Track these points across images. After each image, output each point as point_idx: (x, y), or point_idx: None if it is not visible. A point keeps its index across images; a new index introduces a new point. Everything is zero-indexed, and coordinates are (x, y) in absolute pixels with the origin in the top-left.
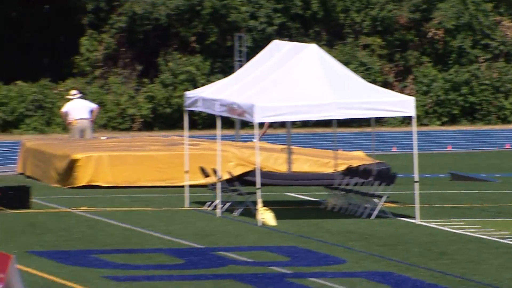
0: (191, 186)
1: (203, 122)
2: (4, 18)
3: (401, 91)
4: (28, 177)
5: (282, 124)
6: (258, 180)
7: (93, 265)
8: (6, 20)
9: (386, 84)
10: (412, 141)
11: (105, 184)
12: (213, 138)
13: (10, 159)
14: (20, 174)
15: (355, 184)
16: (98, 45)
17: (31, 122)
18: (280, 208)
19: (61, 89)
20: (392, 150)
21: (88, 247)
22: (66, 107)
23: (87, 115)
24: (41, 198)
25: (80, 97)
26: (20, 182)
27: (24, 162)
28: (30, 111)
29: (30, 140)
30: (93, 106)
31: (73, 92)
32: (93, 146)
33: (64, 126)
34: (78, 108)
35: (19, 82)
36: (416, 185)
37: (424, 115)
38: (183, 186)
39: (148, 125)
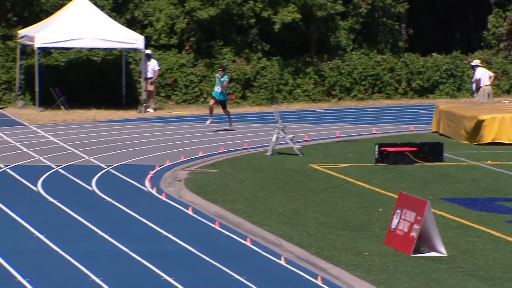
0: None
1: None
2: None
3: None
4: (441, 135)
5: None
6: None
7: (497, 211)
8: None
9: None
10: None
11: (508, 142)
12: None
13: (426, 119)
14: (434, 132)
15: None
16: (503, 21)
17: (444, 88)
18: None
19: (470, 60)
20: None
21: (492, 195)
22: (478, 74)
23: (490, 82)
24: (451, 153)
25: (479, 66)
26: (434, 139)
27: (437, 122)
28: (443, 78)
29: (443, 104)
30: (491, 74)
31: (475, 61)
32: (496, 109)
33: (472, 91)
34: (485, 75)
35: (434, 54)
36: None
37: None
38: None
39: None
